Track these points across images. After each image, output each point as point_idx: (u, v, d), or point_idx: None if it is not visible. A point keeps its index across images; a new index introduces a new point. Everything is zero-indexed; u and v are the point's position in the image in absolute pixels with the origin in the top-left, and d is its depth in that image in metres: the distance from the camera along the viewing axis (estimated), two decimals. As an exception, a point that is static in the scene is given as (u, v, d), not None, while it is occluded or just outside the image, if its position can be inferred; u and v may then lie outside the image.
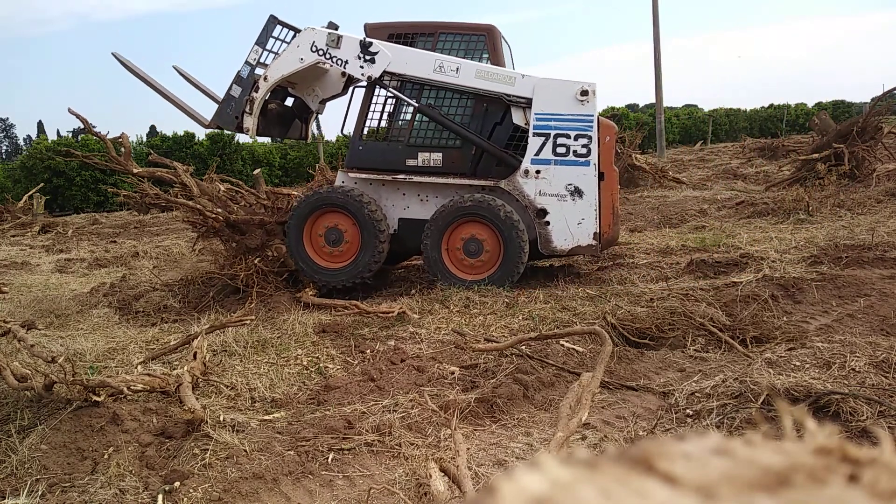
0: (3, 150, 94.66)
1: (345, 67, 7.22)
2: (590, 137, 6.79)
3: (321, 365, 4.97)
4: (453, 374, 4.62)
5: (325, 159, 23.36)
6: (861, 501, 0.37)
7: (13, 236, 14.61)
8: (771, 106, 42.20)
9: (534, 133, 6.88)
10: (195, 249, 8.84)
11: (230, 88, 7.39)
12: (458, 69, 7.00)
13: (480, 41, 7.35)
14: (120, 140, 7.70)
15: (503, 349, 4.75)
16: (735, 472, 0.39)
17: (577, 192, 6.87)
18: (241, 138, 25.73)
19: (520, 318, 5.86)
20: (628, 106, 45.93)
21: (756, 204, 11.15)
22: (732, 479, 0.38)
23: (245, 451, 3.62)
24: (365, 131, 7.65)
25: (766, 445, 0.42)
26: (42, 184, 19.21)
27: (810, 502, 0.37)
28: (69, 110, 7.19)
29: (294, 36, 7.38)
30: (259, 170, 9.27)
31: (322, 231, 7.24)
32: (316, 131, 27.14)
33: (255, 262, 6.88)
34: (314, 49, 7.18)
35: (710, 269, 7.18)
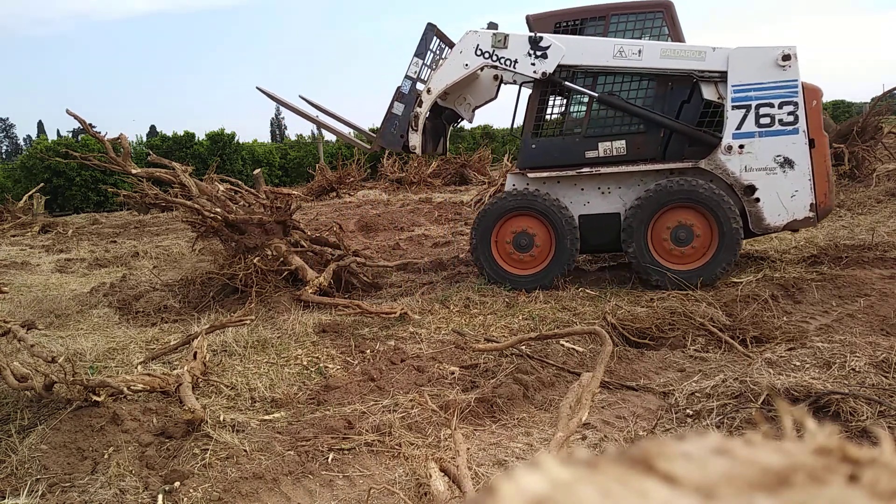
0: (3, 150, 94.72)
1: (514, 68, 6.76)
2: (796, 104, 6.36)
3: (321, 365, 4.97)
4: (453, 374, 4.62)
5: (324, 159, 23.37)
6: (861, 501, 0.37)
7: (13, 236, 14.60)
8: (771, 106, 42.10)
9: (733, 106, 6.43)
10: (195, 249, 8.84)
11: (391, 107, 6.95)
12: (640, 52, 6.56)
13: (658, 18, 6.86)
14: (118, 140, 7.70)
15: (503, 349, 4.75)
16: (735, 472, 0.39)
17: (787, 163, 6.42)
18: (241, 138, 25.74)
19: (520, 318, 5.87)
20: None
21: (756, 204, 11.14)
22: (732, 479, 0.38)
23: (245, 451, 3.62)
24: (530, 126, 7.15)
25: (766, 445, 0.42)
26: (42, 184, 19.19)
27: (810, 502, 0.37)
28: (67, 111, 7.18)
29: (439, 43, 7.04)
30: (259, 170, 9.26)
31: (510, 237, 6.93)
32: (316, 131, 27.14)
33: (255, 261, 6.87)
34: (479, 52, 6.76)
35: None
